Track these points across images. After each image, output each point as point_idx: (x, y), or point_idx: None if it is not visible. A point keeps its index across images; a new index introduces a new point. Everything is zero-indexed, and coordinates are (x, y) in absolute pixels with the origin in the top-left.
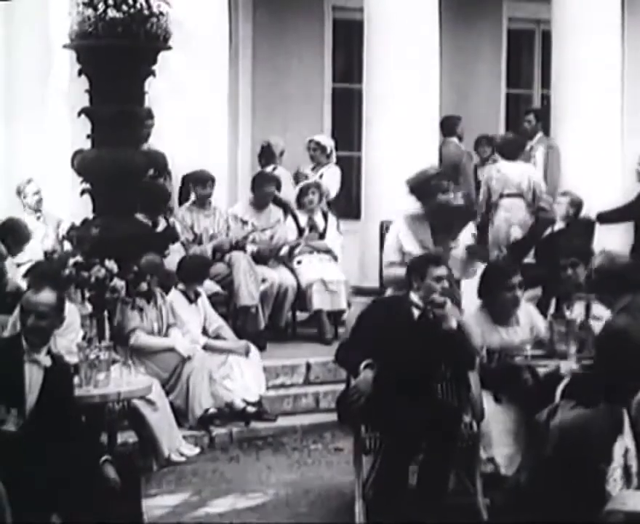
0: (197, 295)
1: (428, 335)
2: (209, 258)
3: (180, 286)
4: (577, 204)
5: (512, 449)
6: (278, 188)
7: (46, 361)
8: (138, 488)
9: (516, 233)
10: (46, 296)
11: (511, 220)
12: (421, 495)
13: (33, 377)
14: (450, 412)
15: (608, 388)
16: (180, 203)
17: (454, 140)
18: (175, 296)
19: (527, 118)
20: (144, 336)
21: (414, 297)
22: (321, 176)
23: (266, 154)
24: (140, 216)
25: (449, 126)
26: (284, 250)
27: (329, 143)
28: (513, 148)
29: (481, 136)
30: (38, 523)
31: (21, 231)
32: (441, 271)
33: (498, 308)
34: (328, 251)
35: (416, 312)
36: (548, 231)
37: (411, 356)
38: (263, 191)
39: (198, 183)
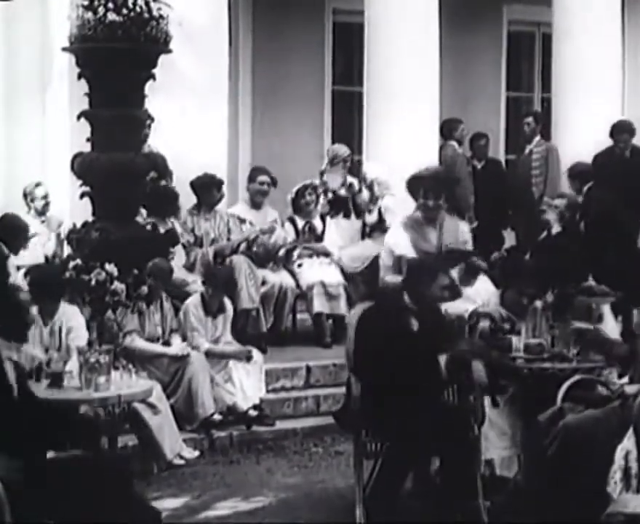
0: (221, 309)
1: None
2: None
3: (205, 292)
4: (573, 207)
5: (509, 452)
6: (274, 184)
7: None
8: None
9: None
10: None
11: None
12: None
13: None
14: (458, 416)
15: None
16: (198, 209)
17: (452, 143)
18: (194, 301)
19: (526, 121)
20: (139, 340)
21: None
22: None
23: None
24: (148, 219)
25: (447, 129)
26: (282, 253)
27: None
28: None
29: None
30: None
31: (19, 227)
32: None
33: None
34: (327, 254)
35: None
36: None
37: (418, 363)
38: (255, 185)
39: (204, 188)
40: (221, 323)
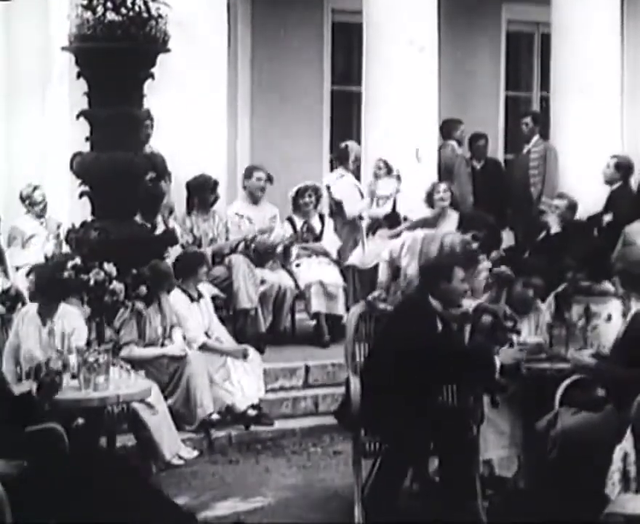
0: (200, 295)
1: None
2: (203, 254)
3: (180, 284)
4: (572, 207)
5: (507, 451)
6: (270, 180)
7: None
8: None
9: None
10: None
11: None
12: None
13: None
14: (457, 416)
15: (616, 389)
16: (189, 209)
17: (452, 143)
18: (176, 294)
19: (524, 121)
20: (136, 349)
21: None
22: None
23: (340, 156)
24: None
25: (446, 129)
26: (279, 249)
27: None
28: None
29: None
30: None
31: None
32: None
33: None
34: (326, 254)
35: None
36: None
37: (423, 364)
38: (253, 181)
39: (198, 189)
40: (205, 308)
